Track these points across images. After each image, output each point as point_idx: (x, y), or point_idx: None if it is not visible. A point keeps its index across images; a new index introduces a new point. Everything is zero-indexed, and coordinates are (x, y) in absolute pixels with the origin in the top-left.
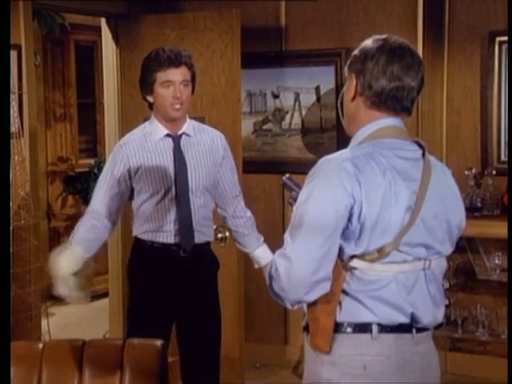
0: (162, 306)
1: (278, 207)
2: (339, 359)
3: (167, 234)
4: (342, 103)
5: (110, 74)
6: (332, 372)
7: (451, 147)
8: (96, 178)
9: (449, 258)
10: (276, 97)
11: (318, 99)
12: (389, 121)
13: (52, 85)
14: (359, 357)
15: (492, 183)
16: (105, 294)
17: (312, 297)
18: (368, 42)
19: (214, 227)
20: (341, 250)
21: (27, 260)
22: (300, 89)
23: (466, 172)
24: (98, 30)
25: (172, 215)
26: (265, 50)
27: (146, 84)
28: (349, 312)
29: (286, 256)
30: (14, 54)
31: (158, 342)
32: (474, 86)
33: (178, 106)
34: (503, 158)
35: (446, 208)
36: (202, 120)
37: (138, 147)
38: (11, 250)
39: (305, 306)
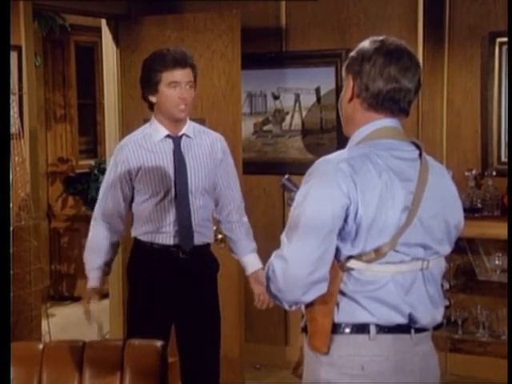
0: (162, 307)
1: (278, 208)
2: (337, 360)
3: (166, 236)
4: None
5: (110, 74)
6: (330, 373)
7: (451, 148)
8: (96, 178)
9: (449, 259)
10: (276, 98)
11: (319, 100)
12: (386, 122)
13: (52, 86)
14: (357, 357)
15: (492, 184)
16: (105, 295)
17: (309, 297)
18: (365, 44)
19: (214, 228)
20: (337, 251)
21: (27, 261)
22: (300, 90)
23: (467, 173)
24: (99, 30)
25: (171, 216)
26: (265, 50)
27: (150, 84)
28: (346, 313)
29: (282, 257)
30: (14, 55)
31: (158, 343)
32: (474, 86)
33: (183, 107)
34: (503, 158)
35: (445, 208)
36: (202, 121)
37: (138, 148)
38: (11, 250)
39: (303, 307)
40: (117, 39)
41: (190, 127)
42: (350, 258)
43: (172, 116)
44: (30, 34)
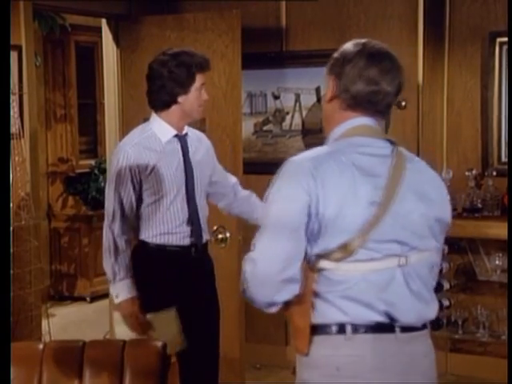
0: (171, 306)
1: None
2: (316, 361)
3: (180, 236)
4: None
5: (110, 74)
6: (312, 373)
7: (452, 148)
8: (97, 178)
9: (449, 259)
10: (276, 98)
11: (319, 100)
12: (361, 120)
13: (52, 85)
14: (334, 358)
15: (492, 184)
16: (105, 295)
17: (281, 298)
18: (348, 46)
19: (215, 228)
20: (306, 251)
21: (27, 261)
22: (300, 89)
23: (467, 173)
24: (99, 30)
25: (184, 216)
26: (265, 50)
27: (184, 84)
28: (321, 313)
29: (251, 259)
30: (14, 55)
31: (158, 343)
32: (474, 86)
33: (203, 108)
34: (504, 158)
35: (424, 203)
36: (202, 121)
37: (146, 150)
38: (11, 250)
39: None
40: (117, 39)
41: (186, 127)
42: (320, 258)
43: (193, 116)
44: (30, 33)
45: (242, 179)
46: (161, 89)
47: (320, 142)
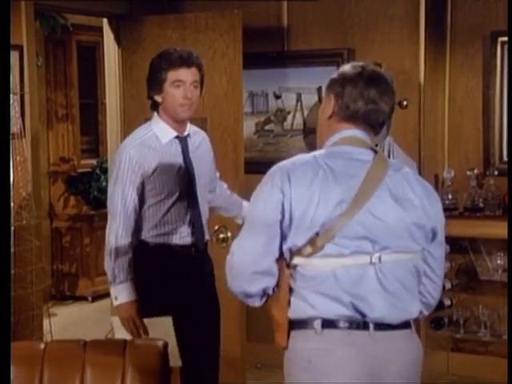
0: (175, 306)
1: None
2: (293, 354)
3: (182, 236)
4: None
5: (111, 74)
6: (291, 366)
7: (453, 147)
8: (98, 178)
9: (451, 259)
10: (278, 97)
11: (320, 99)
12: (351, 131)
13: (54, 85)
14: (306, 351)
15: (494, 183)
16: (107, 295)
17: (255, 289)
18: (347, 68)
19: (216, 227)
20: (281, 248)
21: (29, 260)
22: (302, 89)
23: (468, 172)
24: (100, 30)
25: (186, 216)
26: (267, 50)
27: (155, 83)
28: (296, 308)
29: (230, 252)
30: (15, 55)
31: (160, 342)
32: (475, 86)
33: (187, 107)
34: (505, 158)
35: (403, 208)
36: (203, 121)
37: (148, 150)
38: (13, 250)
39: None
40: (118, 39)
41: (189, 127)
42: (293, 254)
43: (176, 116)
44: (32, 33)
45: (243, 179)
46: (147, 90)
47: None
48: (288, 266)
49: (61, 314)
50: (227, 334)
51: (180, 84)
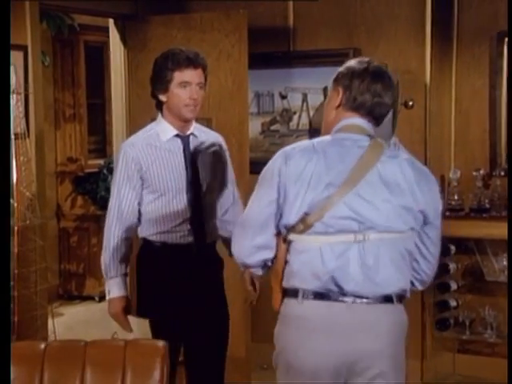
0: (175, 307)
1: None
2: (282, 318)
3: (180, 235)
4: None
5: (117, 74)
6: (279, 327)
7: (459, 148)
8: (105, 178)
9: (457, 260)
10: (284, 97)
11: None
12: (354, 120)
13: (62, 85)
14: (290, 317)
15: (500, 184)
16: None
17: (253, 260)
18: (354, 63)
19: None
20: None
21: (33, 260)
22: (308, 89)
23: (474, 173)
24: (108, 30)
25: (185, 215)
26: (272, 50)
27: (161, 82)
28: (287, 279)
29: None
30: (20, 55)
31: (161, 343)
32: (482, 86)
33: (192, 108)
34: None
35: (391, 191)
36: (209, 121)
37: (147, 146)
38: (16, 250)
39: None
40: (124, 39)
41: (195, 127)
42: (288, 231)
43: (181, 116)
44: (37, 33)
45: (248, 179)
46: (151, 89)
47: None
48: (284, 240)
49: (67, 313)
50: (232, 334)
51: (186, 85)
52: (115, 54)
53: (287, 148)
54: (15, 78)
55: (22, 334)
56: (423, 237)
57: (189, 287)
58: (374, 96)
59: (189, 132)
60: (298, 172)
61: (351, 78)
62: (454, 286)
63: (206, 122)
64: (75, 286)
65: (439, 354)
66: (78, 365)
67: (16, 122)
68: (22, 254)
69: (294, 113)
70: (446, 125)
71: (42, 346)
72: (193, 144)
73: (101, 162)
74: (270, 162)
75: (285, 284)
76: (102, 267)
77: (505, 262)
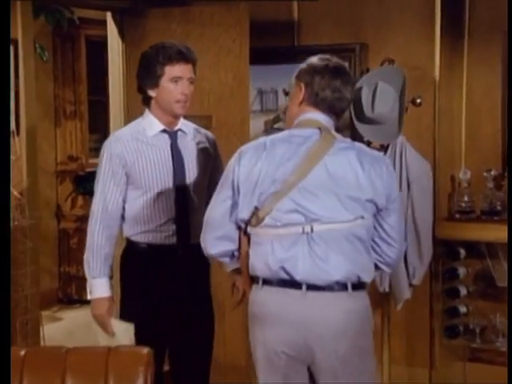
0: (159, 310)
1: None
2: (249, 303)
3: (165, 235)
4: None
5: (115, 70)
6: (248, 312)
7: (471, 147)
8: None
9: (467, 264)
10: (288, 94)
11: None
12: (312, 115)
13: (62, 81)
14: (252, 303)
15: None
16: None
17: (215, 250)
18: (314, 60)
19: None
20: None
21: (22, 263)
22: None
23: (485, 174)
24: None
25: (170, 214)
26: (276, 45)
27: (151, 77)
28: (251, 268)
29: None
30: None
31: (144, 350)
32: (494, 83)
33: (183, 104)
34: None
35: (335, 184)
36: (208, 119)
37: (132, 141)
38: None
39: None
40: (122, 33)
41: (183, 123)
42: (246, 225)
43: (172, 112)
44: (29, 27)
45: None
46: (138, 83)
47: None
48: (245, 233)
49: (67, 318)
50: (232, 342)
51: (178, 80)
52: (113, 48)
53: (244, 146)
54: None
55: (11, 340)
56: (381, 222)
57: (174, 289)
58: (334, 91)
59: (176, 128)
60: (248, 170)
61: (312, 75)
62: (463, 291)
63: (206, 120)
64: (75, 289)
65: (449, 362)
66: (58, 372)
67: None
68: (11, 256)
69: None
70: (456, 123)
71: (22, 352)
72: (181, 140)
73: None
74: (230, 161)
75: (250, 272)
76: (85, 266)
77: None
